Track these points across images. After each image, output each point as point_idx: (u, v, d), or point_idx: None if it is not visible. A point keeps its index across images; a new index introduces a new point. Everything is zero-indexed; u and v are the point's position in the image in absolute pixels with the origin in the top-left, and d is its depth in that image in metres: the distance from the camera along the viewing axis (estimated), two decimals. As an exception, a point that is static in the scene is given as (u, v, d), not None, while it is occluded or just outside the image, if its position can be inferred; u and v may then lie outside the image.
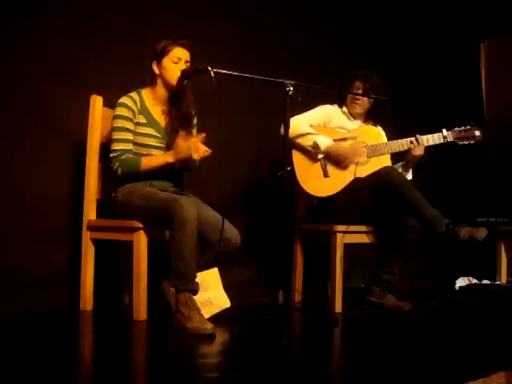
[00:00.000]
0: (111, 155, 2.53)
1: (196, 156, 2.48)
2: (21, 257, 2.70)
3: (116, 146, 2.53)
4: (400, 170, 3.05)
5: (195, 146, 2.46)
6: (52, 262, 2.78)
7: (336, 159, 2.93)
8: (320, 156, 2.93)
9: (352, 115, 3.15)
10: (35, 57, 2.80)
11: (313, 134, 2.94)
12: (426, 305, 3.10)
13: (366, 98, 3.06)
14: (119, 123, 2.54)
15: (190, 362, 1.87)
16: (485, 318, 2.82)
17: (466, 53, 4.62)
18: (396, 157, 3.15)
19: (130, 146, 2.54)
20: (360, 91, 3.04)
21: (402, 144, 3.00)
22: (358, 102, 3.10)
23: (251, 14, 3.58)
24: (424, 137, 2.98)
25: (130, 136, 2.55)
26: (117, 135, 2.54)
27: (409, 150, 2.98)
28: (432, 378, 1.74)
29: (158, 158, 2.54)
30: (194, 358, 1.94)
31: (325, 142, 2.92)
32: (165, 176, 2.60)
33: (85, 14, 2.93)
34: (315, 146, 2.91)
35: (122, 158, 2.51)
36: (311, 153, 2.94)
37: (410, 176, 3.08)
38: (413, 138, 2.98)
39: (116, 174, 2.52)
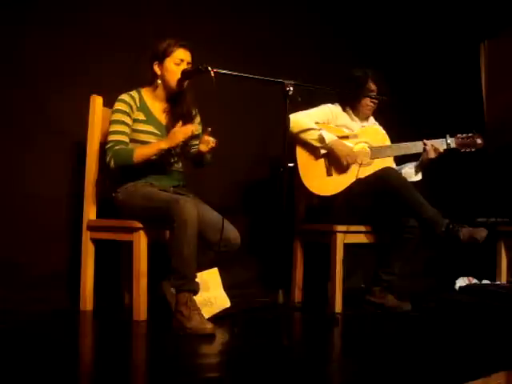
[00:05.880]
0: (106, 147, 2.51)
1: (204, 148, 2.51)
2: (21, 257, 2.70)
3: (111, 138, 2.51)
4: (412, 170, 3.08)
5: (189, 132, 2.45)
6: (52, 262, 2.78)
7: (337, 157, 2.92)
8: (323, 151, 2.92)
9: (356, 115, 3.13)
10: (35, 57, 2.80)
11: (317, 129, 2.93)
12: (426, 305, 3.09)
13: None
14: (116, 117, 2.53)
15: (189, 362, 1.87)
16: (485, 317, 2.82)
17: (466, 53, 4.62)
18: (399, 157, 3.16)
19: (125, 139, 2.51)
20: (374, 93, 3.04)
21: (415, 146, 3.01)
22: (374, 104, 3.10)
23: (251, 13, 3.58)
24: (428, 142, 2.99)
25: (126, 129, 2.52)
26: (113, 127, 2.52)
27: (424, 153, 3.00)
28: (432, 378, 1.73)
29: (151, 146, 2.50)
30: (194, 358, 1.94)
31: (330, 136, 2.92)
32: (164, 175, 2.59)
33: (85, 14, 2.93)
34: (320, 138, 2.90)
35: (115, 148, 2.47)
36: (315, 150, 2.93)
37: (419, 176, 3.11)
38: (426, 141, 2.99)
39: (109, 168, 2.48)
